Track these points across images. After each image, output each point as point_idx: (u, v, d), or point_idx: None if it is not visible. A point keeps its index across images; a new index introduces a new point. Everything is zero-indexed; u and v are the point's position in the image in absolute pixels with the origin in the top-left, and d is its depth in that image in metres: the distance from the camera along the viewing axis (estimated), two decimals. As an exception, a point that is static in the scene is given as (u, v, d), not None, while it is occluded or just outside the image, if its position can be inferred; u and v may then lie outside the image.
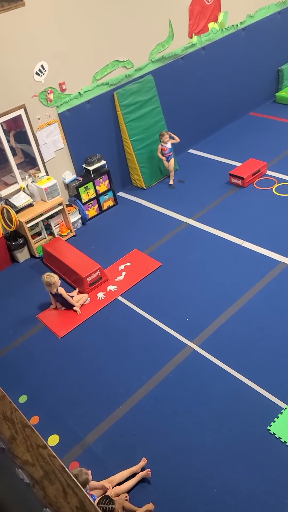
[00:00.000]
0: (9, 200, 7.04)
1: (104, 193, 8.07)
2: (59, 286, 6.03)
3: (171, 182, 8.42)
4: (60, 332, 5.93)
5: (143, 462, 4.24)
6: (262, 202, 7.48)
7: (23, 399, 5.15)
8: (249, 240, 6.73)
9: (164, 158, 8.25)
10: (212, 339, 5.36)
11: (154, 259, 6.75)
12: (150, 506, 3.94)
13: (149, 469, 4.18)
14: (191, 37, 8.52)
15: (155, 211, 7.84)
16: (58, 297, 6.09)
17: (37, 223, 7.28)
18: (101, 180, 7.93)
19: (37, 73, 6.73)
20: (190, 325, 5.61)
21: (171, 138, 8.09)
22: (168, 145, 8.13)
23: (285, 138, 9.10)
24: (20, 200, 7.05)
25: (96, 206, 8.08)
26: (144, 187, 8.52)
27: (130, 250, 7.05)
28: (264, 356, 5.04)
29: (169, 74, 8.37)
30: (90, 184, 7.80)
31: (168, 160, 8.27)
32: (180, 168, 8.86)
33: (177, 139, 8.13)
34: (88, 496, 1.31)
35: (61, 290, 6.01)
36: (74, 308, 6.16)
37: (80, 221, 7.87)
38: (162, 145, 8.15)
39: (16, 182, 7.19)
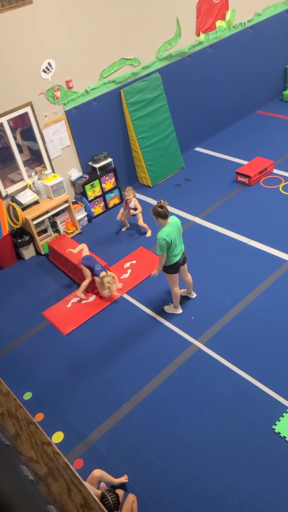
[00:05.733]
0: (15, 197, 7.06)
1: (110, 190, 8.07)
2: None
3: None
4: (65, 329, 5.94)
5: (124, 479, 4.13)
6: (269, 200, 7.45)
7: (27, 396, 5.16)
8: (255, 239, 6.70)
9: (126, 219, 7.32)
10: (217, 337, 5.35)
11: (160, 257, 6.74)
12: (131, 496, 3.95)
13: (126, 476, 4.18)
14: (198, 35, 8.49)
15: (161, 209, 7.81)
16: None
17: (43, 221, 7.29)
18: (107, 177, 7.92)
19: (44, 71, 6.73)
20: (195, 323, 5.61)
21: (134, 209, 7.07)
22: (132, 205, 7.05)
23: (292, 136, 9.06)
24: (26, 197, 7.06)
25: (102, 203, 8.08)
26: (151, 185, 8.51)
27: (136, 248, 7.05)
28: (270, 354, 5.02)
29: (176, 72, 8.35)
30: (96, 182, 7.80)
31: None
32: (187, 166, 8.83)
33: (139, 209, 7.08)
34: (92, 493, 1.31)
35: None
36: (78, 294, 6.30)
37: (86, 218, 7.87)
38: (126, 202, 7.13)
39: (22, 179, 7.21)
